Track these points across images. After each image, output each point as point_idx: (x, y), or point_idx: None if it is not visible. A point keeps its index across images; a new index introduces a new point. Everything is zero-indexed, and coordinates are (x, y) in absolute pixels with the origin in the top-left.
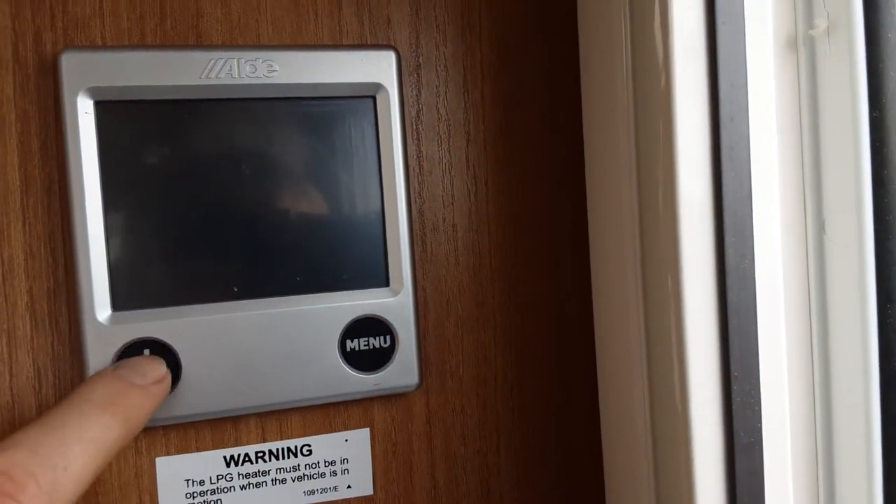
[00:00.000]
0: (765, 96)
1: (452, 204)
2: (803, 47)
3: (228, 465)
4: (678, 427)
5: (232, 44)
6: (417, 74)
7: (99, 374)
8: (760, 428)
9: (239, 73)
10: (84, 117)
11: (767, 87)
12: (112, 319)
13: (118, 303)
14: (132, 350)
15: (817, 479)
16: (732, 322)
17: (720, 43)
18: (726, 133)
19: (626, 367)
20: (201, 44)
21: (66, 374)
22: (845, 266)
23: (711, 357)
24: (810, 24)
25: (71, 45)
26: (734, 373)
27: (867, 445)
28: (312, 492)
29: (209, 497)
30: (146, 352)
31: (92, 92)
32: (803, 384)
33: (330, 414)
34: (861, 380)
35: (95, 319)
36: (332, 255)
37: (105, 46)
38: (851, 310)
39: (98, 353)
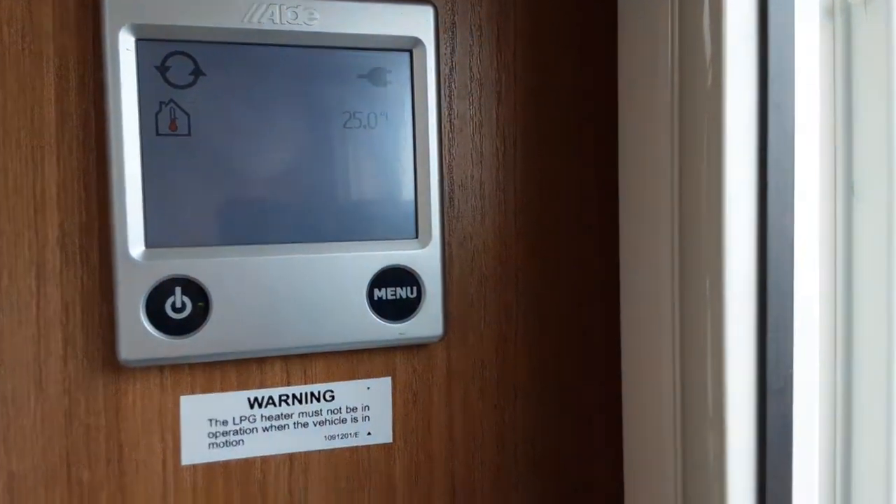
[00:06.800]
0: (810, 66)
1: (481, 162)
2: (840, 14)
3: (252, 406)
4: (711, 376)
5: None
6: (452, 32)
7: None
8: (791, 374)
9: (280, 19)
10: (125, 54)
11: (812, 57)
12: (145, 256)
13: (151, 239)
14: (164, 287)
15: (834, 420)
16: (771, 278)
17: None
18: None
19: (654, 320)
20: None
21: (95, 310)
22: (874, 227)
23: (749, 310)
24: None
25: None
26: (770, 326)
27: (888, 395)
28: (333, 437)
29: (231, 437)
30: (177, 290)
31: (134, 29)
32: (830, 337)
33: (353, 361)
34: (885, 332)
35: (128, 255)
36: (363, 205)
37: None
38: (877, 268)
39: (129, 290)
